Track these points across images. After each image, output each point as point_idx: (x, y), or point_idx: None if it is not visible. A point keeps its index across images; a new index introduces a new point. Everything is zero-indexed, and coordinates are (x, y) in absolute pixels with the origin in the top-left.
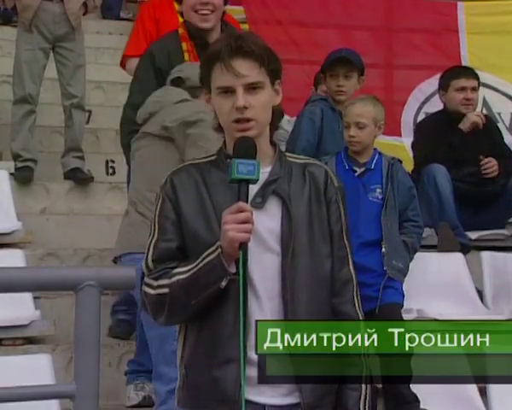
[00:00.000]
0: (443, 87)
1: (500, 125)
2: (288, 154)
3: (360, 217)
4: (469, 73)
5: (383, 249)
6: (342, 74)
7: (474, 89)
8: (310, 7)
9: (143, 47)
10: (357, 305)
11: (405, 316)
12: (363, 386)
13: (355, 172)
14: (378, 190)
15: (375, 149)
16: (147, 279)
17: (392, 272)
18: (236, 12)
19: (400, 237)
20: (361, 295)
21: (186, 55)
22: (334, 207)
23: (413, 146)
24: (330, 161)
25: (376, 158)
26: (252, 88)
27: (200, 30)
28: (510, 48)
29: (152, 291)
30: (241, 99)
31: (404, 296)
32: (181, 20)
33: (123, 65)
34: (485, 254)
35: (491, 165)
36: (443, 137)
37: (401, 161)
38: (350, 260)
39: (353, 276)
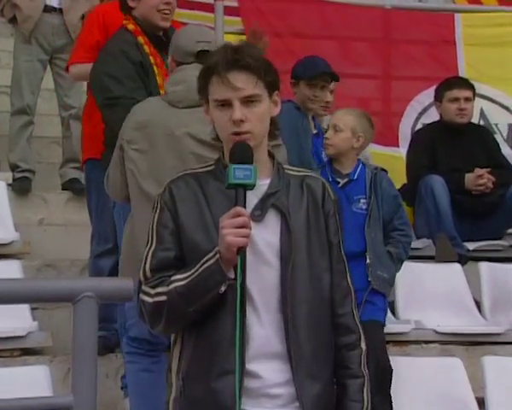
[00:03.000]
0: (438, 98)
1: (497, 136)
2: (285, 166)
3: (345, 229)
4: (462, 83)
5: (368, 260)
6: (320, 85)
7: (468, 99)
8: (308, 18)
9: (93, 55)
10: (356, 318)
11: (403, 327)
12: (365, 396)
13: (338, 183)
14: (362, 201)
15: (358, 159)
16: (144, 287)
17: (376, 283)
18: (234, 23)
19: (385, 247)
20: None
21: (146, 48)
22: (333, 219)
23: (408, 156)
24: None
25: (360, 168)
26: (249, 101)
27: (157, 28)
28: (508, 59)
29: (149, 299)
30: (238, 113)
31: (386, 312)
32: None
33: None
34: (483, 265)
35: (483, 182)
36: (439, 147)
37: (386, 171)
38: (348, 273)
39: (352, 289)
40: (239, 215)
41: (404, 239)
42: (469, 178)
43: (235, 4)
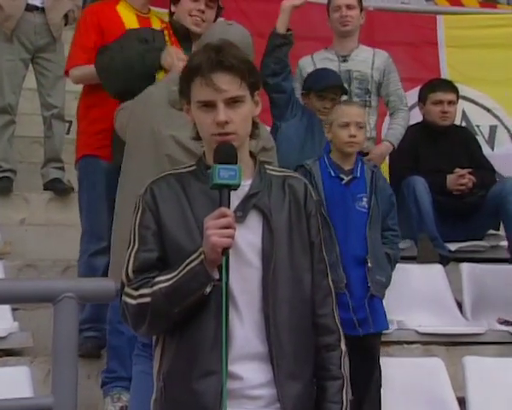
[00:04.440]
0: (421, 99)
1: (479, 137)
2: (267, 166)
3: (350, 228)
4: (447, 86)
5: (369, 264)
6: (330, 98)
7: (452, 102)
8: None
9: (92, 56)
10: (336, 318)
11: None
12: (344, 398)
13: (342, 179)
14: (364, 200)
15: (357, 156)
16: (127, 289)
17: (375, 289)
18: None
19: (382, 248)
20: (344, 320)
21: (167, 39)
22: (314, 220)
23: (391, 157)
24: (314, 167)
25: (360, 165)
26: (232, 102)
27: (187, 29)
28: (489, 61)
29: (133, 301)
30: (222, 114)
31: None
32: (126, 23)
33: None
34: (465, 266)
35: (464, 182)
36: (422, 149)
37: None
38: (328, 273)
39: (332, 289)
40: (223, 216)
41: (397, 240)
42: (451, 178)
43: None
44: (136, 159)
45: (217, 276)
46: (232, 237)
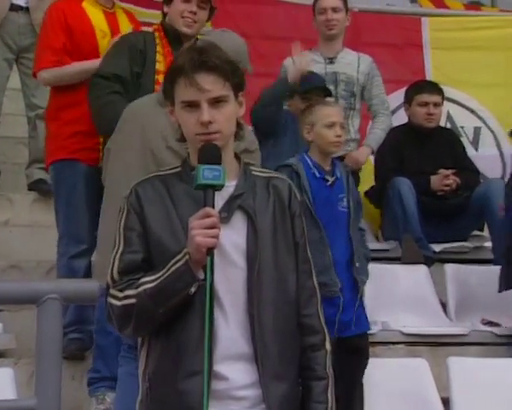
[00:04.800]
0: (407, 101)
1: (464, 139)
2: (251, 167)
3: (337, 230)
4: (432, 88)
5: (357, 264)
6: (313, 99)
7: (437, 104)
8: (276, 20)
9: (62, 58)
10: (321, 318)
11: (370, 329)
12: (330, 397)
13: (327, 181)
14: (345, 200)
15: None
16: (112, 291)
17: (361, 289)
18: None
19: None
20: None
21: (157, 42)
22: (299, 220)
23: (376, 158)
24: (299, 167)
25: (336, 166)
26: (216, 102)
27: (180, 34)
28: (474, 63)
29: (118, 303)
30: (206, 114)
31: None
32: (93, 20)
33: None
34: (449, 267)
35: (449, 182)
36: (407, 150)
37: None
38: (313, 273)
39: (317, 289)
40: (208, 216)
41: (364, 239)
42: (435, 179)
43: None
44: (122, 159)
45: (202, 276)
46: (217, 237)
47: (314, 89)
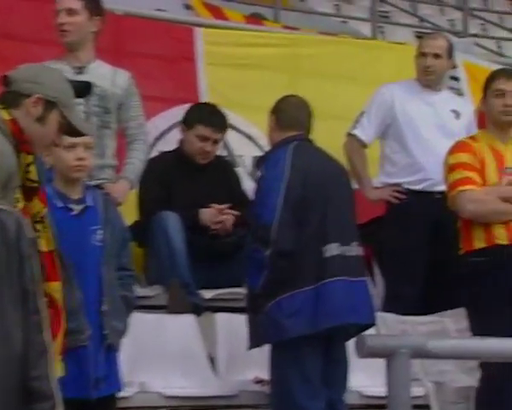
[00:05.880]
0: (187, 125)
1: (241, 169)
2: None
3: (88, 267)
4: (215, 121)
5: (104, 307)
6: None
7: (216, 141)
8: (25, 19)
9: None
10: (52, 381)
11: (124, 391)
12: None
13: (71, 210)
14: (99, 232)
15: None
16: None
17: (112, 338)
18: None
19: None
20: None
21: None
22: (29, 263)
23: (140, 188)
24: None
25: (90, 192)
26: None
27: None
28: (254, 84)
29: None
30: None
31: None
32: None
33: None
34: (221, 316)
35: (222, 218)
36: (176, 179)
37: None
38: (44, 325)
39: (47, 347)
40: None
41: (132, 281)
42: (206, 213)
43: None
44: None
45: None
46: None
47: None
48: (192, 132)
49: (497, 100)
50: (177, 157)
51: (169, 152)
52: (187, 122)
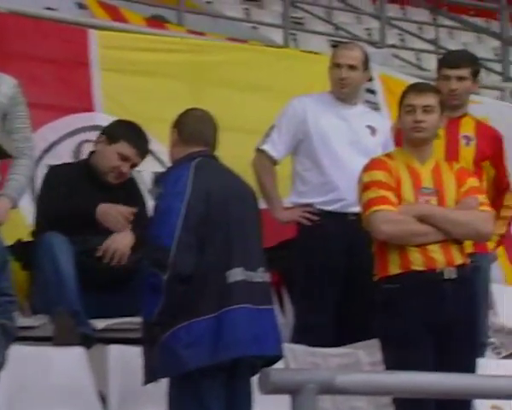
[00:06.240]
0: (111, 138)
1: (144, 187)
2: None
3: None
4: (140, 145)
5: None
6: None
7: (134, 165)
8: None
9: None
10: None
11: None
12: None
13: None
14: None
15: None
16: None
17: None
18: None
19: None
20: None
21: None
22: None
23: (37, 200)
24: None
25: None
26: None
27: None
28: (153, 93)
29: None
30: None
31: None
32: None
33: None
34: (113, 349)
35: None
36: (79, 194)
37: None
38: None
39: None
40: None
41: (13, 308)
42: (104, 208)
43: None
44: None
45: None
46: None
47: None
48: (114, 148)
49: (408, 116)
50: (83, 170)
51: (72, 164)
52: (111, 136)
